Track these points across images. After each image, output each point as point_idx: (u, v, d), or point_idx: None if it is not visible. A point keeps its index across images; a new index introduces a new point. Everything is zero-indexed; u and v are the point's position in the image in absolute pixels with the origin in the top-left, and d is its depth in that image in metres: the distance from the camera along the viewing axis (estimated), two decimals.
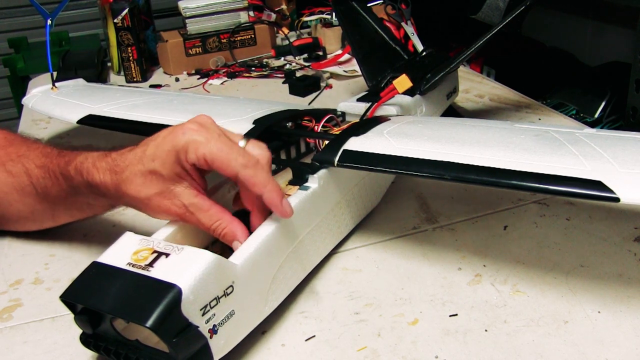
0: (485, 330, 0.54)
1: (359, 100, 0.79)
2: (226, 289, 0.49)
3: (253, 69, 1.33)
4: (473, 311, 0.57)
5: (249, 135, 0.67)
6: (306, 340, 0.55)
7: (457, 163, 0.56)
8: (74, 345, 0.53)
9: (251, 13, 1.41)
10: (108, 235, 0.73)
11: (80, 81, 1.03)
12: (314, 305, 0.59)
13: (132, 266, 0.48)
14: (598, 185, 0.49)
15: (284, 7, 1.54)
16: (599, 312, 0.56)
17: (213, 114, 0.76)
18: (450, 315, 0.57)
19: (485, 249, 0.66)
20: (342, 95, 1.15)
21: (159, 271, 0.47)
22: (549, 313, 0.56)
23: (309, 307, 0.59)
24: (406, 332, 0.55)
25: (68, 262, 0.69)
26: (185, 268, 0.47)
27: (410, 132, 0.64)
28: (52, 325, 0.59)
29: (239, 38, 1.38)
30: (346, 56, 1.31)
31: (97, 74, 1.32)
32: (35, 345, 0.57)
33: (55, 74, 1.27)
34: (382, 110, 0.76)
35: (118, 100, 0.84)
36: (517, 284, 0.60)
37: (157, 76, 1.37)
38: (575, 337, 0.53)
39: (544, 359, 0.51)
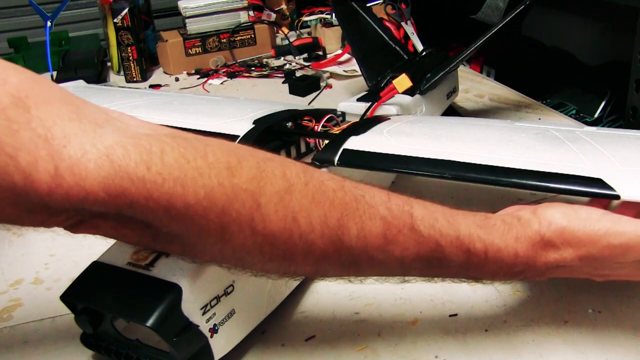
0: (485, 330, 0.54)
1: (359, 100, 0.79)
2: (227, 288, 0.49)
3: (253, 68, 1.33)
4: (473, 311, 0.57)
5: (249, 135, 0.67)
6: (306, 340, 0.55)
7: (457, 161, 0.56)
8: (74, 345, 0.53)
9: (251, 13, 1.40)
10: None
11: (81, 82, 1.03)
12: (314, 305, 0.59)
13: (133, 266, 0.48)
14: (598, 182, 0.49)
15: (283, 6, 1.54)
16: (599, 312, 0.56)
17: (213, 114, 0.76)
18: (450, 315, 0.57)
19: None
20: (342, 95, 1.15)
21: (159, 270, 0.47)
22: (549, 313, 0.56)
23: (309, 307, 0.59)
24: (406, 332, 0.55)
25: (68, 262, 0.69)
26: (185, 267, 0.47)
27: (410, 131, 0.64)
28: (52, 325, 0.59)
29: (238, 38, 1.38)
30: (346, 56, 1.31)
31: (97, 74, 1.32)
32: (35, 345, 0.57)
33: (55, 74, 1.28)
34: (382, 110, 0.76)
35: (118, 102, 0.83)
36: (517, 284, 0.60)
37: (157, 76, 1.37)
38: (575, 337, 0.53)
39: (544, 359, 0.51)
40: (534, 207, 0.49)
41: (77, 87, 0.99)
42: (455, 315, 0.57)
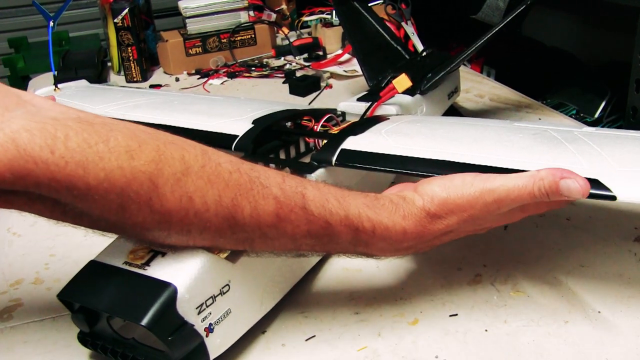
0: (485, 330, 0.54)
1: (359, 100, 0.79)
2: (222, 288, 0.49)
3: (253, 68, 1.33)
4: (473, 311, 0.57)
5: (248, 135, 0.67)
6: (306, 340, 0.55)
7: (454, 162, 0.56)
8: (74, 345, 0.53)
9: (251, 13, 1.41)
10: (108, 235, 0.73)
11: (83, 82, 1.03)
12: (314, 305, 0.59)
13: (129, 265, 0.48)
14: (595, 183, 0.49)
15: (284, 7, 1.54)
16: (599, 312, 0.56)
17: (213, 114, 0.76)
18: (450, 315, 0.56)
19: (485, 249, 0.66)
20: (342, 95, 1.15)
21: (155, 270, 0.47)
22: (549, 313, 0.56)
23: (309, 307, 0.59)
24: (406, 332, 0.55)
25: (68, 262, 0.69)
26: (181, 267, 0.47)
27: (408, 131, 0.64)
28: (52, 325, 0.59)
29: (239, 38, 1.38)
30: (346, 56, 1.31)
31: (97, 74, 1.32)
32: (36, 345, 0.57)
33: (56, 74, 1.28)
34: (382, 110, 0.76)
35: (119, 101, 0.84)
36: (517, 284, 0.60)
37: (157, 76, 1.37)
38: (575, 337, 0.53)
39: (544, 359, 0.51)
40: (415, 185, 0.53)
41: (79, 87, 0.99)
42: (455, 315, 0.56)
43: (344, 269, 0.64)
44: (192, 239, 0.46)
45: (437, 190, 0.51)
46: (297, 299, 0.60)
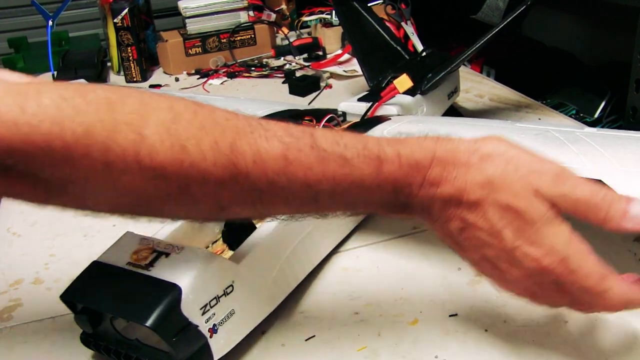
0: (485, 330, 0.54)
1: (359, 100, 0.79)
2: (226, 289, 0.49)
3: (253, 68, 1.33)
4: (473, 311, 0.57)
5: None
6: (306, 340, 0.55)
7: None
8: (74, 345, 0.53)
9: (251, 13, 1.41)
10: (108, 235, 0.73)
11: (82, 82, 1.03)
12: (314, 305, 0.59)
13: (132, 266, 0.48)
14: (598, 183, 0.49)
15: (283, 7, 1.54)
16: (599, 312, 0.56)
17: None
18: (450, 315, 0.57)
19: None
20: (342, 95, 1.15)
21: (159, 271, 0.47)
22: (549, 313, 0.56)
23: (309, 307, 0.59)
24: (406, 332, 0.55)
25: (68, 262, 0.69)
26: (185, 267, 0.47)
27: (410, 132, 0.64)
28: (52, 325, 0.59)
29: (238, 38, 1.38)
30: (346, 56, 1.31)
31: (97, 74, 1.32)
32: (35, 345, 0.57)
33: (55, 74, 1.28)
34: (383, 110, 0.76)
35: None
36: None
37: (157, 76, 1.37)
38: (575, 337, 0.53)
39: (544, 359, 0.51)
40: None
41: None
42: (455, 315, 0.57)
43: (344, 269, 0.64)
44: (193, 199, 0.41)
45: (495, 139, 0.44)
46: (297, 299, 0.60)
